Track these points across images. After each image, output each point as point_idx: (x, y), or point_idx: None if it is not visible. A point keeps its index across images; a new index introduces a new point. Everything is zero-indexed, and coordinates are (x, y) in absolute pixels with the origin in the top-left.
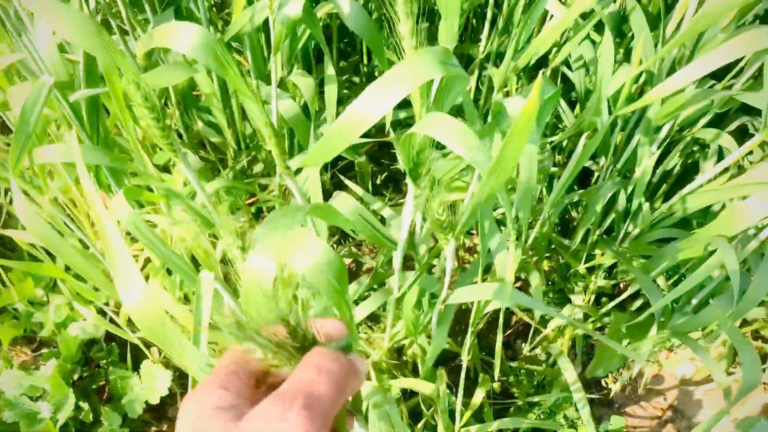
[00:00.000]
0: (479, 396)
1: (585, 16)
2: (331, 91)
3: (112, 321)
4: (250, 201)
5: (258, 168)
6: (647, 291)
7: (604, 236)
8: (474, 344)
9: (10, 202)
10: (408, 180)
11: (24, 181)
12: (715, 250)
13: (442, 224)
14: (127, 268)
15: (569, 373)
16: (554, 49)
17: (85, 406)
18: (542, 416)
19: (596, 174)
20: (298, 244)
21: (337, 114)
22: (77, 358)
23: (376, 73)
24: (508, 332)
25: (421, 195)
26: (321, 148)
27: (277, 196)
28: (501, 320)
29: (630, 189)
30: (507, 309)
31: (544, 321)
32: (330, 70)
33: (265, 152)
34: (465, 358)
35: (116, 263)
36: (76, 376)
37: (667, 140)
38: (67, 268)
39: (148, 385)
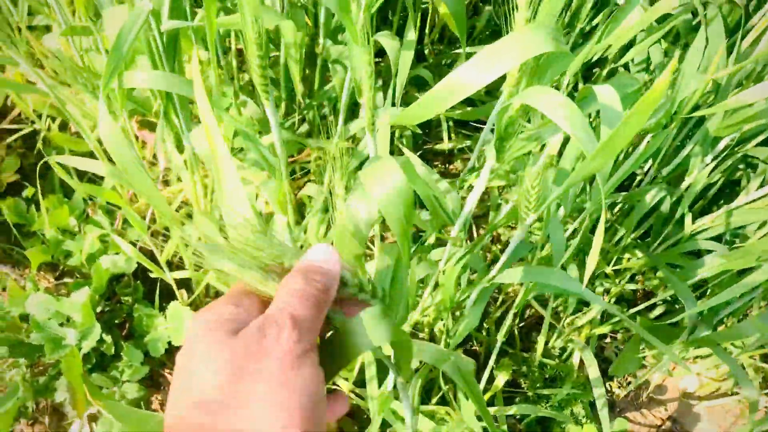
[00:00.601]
0: (501, 379)
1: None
2: (407, 57)
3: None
4: (291, 159)
5: (302, 129)
6: (683, 298)
7: (638, 241)
8: (493, 331)
9: (48, 129)
10: (489, 152)
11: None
12: (751, 267)
13: (529, 199)
14: (236, 188)
15: (593, 368)
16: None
17: (108, 338)
18: (550, 409)
19: (639, 178)
20: (378, 171)
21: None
22: (103, 291)
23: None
24: (521, 324)
25: (498, 169)
26: (419, 107)
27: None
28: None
29: (676, 197)
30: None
31: (557, 317)
32: (411, 35)
33: (313, 114)
34: (500, 339)
35: (225, 182)
36: (98, 309)
37: (725, 153)
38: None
39: (173, 326)
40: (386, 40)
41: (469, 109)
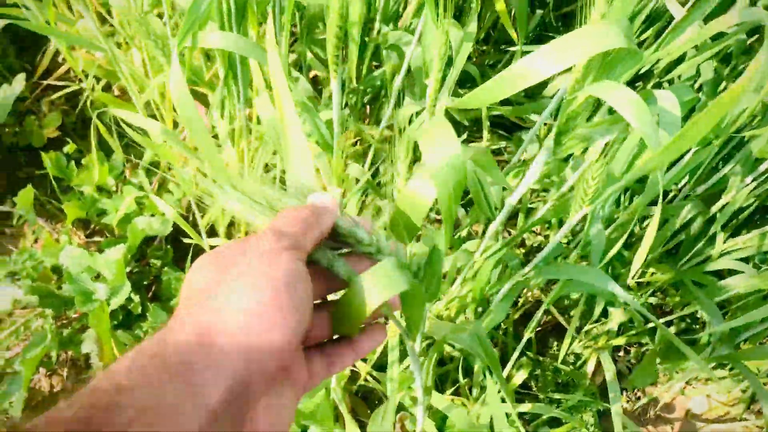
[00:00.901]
0: (520, 377)
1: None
2: (467, 48)
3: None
4: None
5: (343, 113)
6: (710, 315)
7: (663, 256)
8: (511, 332)
9: (93, 89)
10: (546, 144)
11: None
12: None
13: (587, 190)
14: (301, 152)
15: (610, 373)
16: (659, 64)
17: (136, 298)
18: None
19: (672, 193)
20: (435, 137)
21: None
22: (134, 252)
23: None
24: (538, 329)
25: (551, 162)
26: (485, 91)
27: (378, 139)
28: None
29: (709, 216)
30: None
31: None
32: (473, 27)
33: (356, 99)
34: (528, 334)
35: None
36: (127, 269)
37: (766, 175)
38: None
39: None
40: (451, 28)
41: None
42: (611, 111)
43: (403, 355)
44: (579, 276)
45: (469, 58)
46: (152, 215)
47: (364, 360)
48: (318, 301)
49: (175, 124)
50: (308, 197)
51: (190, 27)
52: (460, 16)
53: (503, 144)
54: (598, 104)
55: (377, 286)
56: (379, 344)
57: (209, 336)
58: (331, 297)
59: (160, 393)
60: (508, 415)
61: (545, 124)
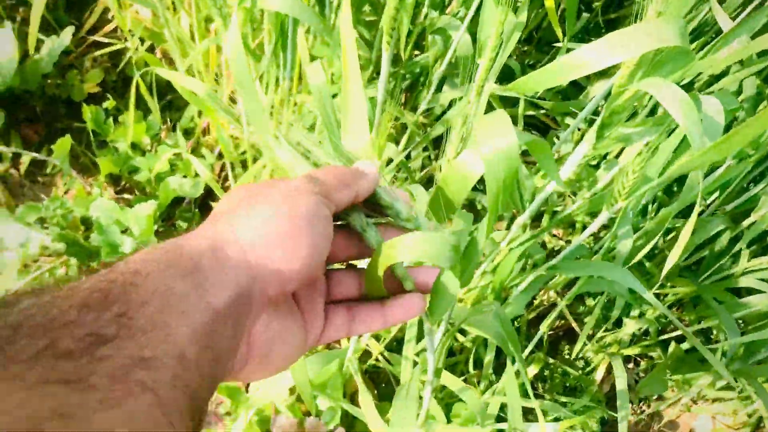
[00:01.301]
0: (532, 370)
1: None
2: (515, 37)
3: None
4: None
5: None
6: (728, 327)
7: (683, 270)
8: (523, 331)
9: (136, 49)
10: (587, 137)
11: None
12: None
13: (624, 184)
14: (360, 112)
15: (621, 379)
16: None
17: None
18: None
19: (701, 208)
20: (491, 126)
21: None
22: (163, 211)
23: None
24: (550, 332)
25: (590, 156)
26: (533, 78)
27: (414, 123)
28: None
29: (736, 232)
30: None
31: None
32: (523, 17)
33: (395, 84)
34: (542, 329)
35: (352, 105)
36: (154, 228)
37: None
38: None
39: None
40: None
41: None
42: (651, 114)
43: (420, 336)
44: (603, 272)
45: (510, 56)
46: (184, 176)
47: (377, 339)
48: (344, 266)
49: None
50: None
51: None
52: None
53: None
54: (634, 113)
55: (416, 250)
56: (412, 316)
57: (221, 246)
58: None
59: (171, 284)
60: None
61: (579, 129)
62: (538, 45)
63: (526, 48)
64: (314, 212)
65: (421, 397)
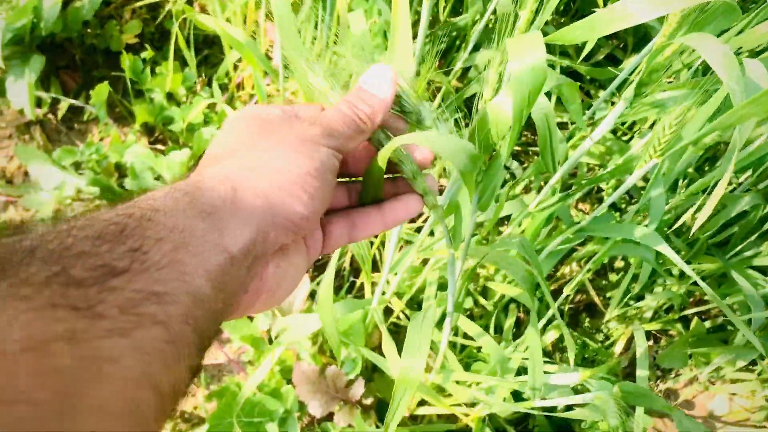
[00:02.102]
0: (552, 336)
1: None
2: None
3: None
4: None
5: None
6: (752, 303)
7: (712, 246)
8: (544, 300)
9: (175, 1)
10: (625, 95)
11: None
12: None
13: (661, 140)
14: (406, 50)
15: (641, 348)
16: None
17: None
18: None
19: (732, 186)
20: (523, 45)
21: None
22: (196, 160)
23: None
24: (570, 306)
25: (629, 114)
26: (577, 28)
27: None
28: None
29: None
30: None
31: (606, 303)
32: None
33: (433, 44)
34: (567, 291)
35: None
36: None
37: None
38: None
39: None
40: None
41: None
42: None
43: (441, 288)
44: (632, 234)
45: (547, 23)
46: (218, 128)
47: (399, 297)
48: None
49: None
50: (364, 77)
51: None
52: None
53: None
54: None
55: (433, 145)
56: (412, 214)
57: (239, 190)
58: None
59: (189, 224)
60: None
61: (611, 98)
62: (573, 17)
63: (563, 20)
64: (328, 167)
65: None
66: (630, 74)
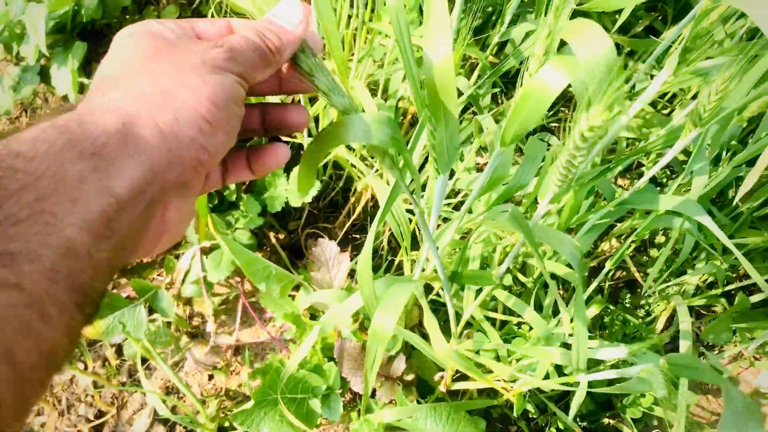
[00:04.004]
0: (592, 311)
1: None
2: None
3: None
4: None
5: None
6: None
7: (757, 220)
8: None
9: None
10: (669, 62)
11: None
12: None
13: (706, 107)
14: (442, 21)
15: (685, 323)
16: None
17: (232, 186)
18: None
19: None
20: (584, 33)
21: None
22: None
23: None
24: (611, 283)
25: (672, 83)
26: None
27: (486, 57)
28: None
29: None
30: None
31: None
32: None
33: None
34: (609, 265)
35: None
36: None
37: None
38: None
39: (293, 188)
40: None
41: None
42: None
43: (483, 264)
44: (675, 206)
45: None
46: None
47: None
48: None
49: None
50: (278, 7)
51: None
52: None
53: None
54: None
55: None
56: (280, 164)
57: (129, 123)
58: None
59: (62, 168)
60: None
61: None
62: None
63: None
64: (233, 96)
65: (482, 329)
66: (672, 43)
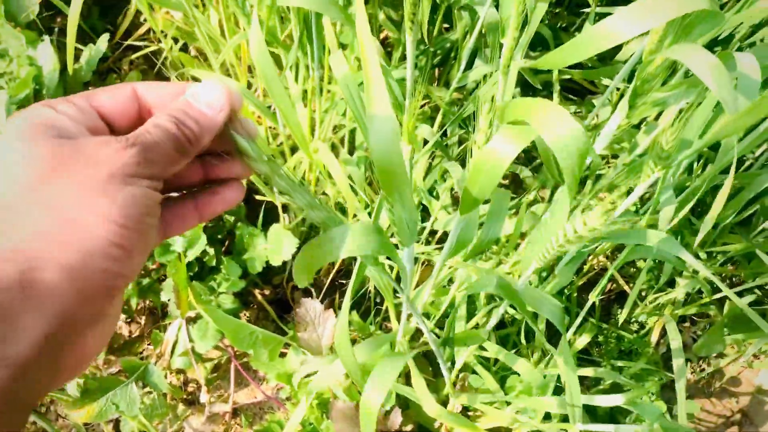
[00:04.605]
0: (584, 339)
1: None
2: (542, 8)
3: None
4: None
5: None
6: None
7: (735, 226)
8: (574, 298)
9: (171, 49)
10: (620, 107)
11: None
12: None
13: (662, 153)
14: (383, 104)
15: (675, 341)
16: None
17: (210, 251)
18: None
19: (748, 162)
20: (545, 115)
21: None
22: None
23: None
24: (602, 297)
25: (623, 127)
26: (564, 51)
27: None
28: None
29: None
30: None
31: (639, 295)
32: None
33: (426, 60)
34: (592, 298)
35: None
36: (203, 224)
37: None
38: None
39: (273, 247)
40: None
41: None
42: (687, 75)
43: (470, 315)
44: (646, 240)
45: (542, 20)
46: None
47: (428, 317)
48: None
49: (249, 86)
50: (198, 90)
51: None
52: None
53: (574, 108)
54: (673, 69)
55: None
56: (231, 205)
57: (34, 271)
58: None
59: None
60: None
61: (618, 89)
62: (569, 7)
63: (558, 10)
64: (146, 208)
65: (476, 372)
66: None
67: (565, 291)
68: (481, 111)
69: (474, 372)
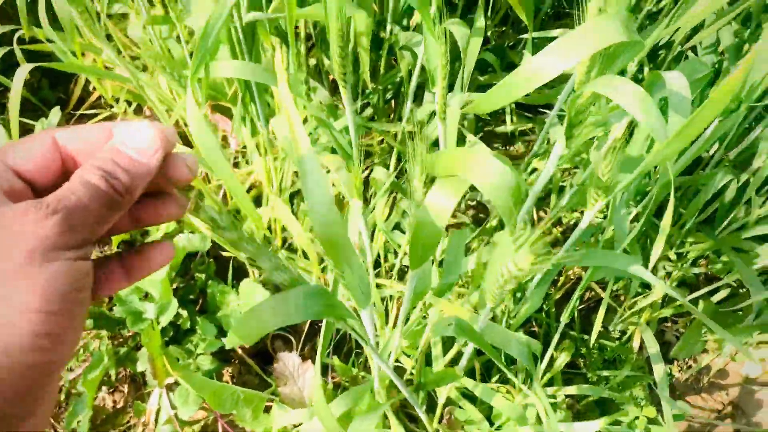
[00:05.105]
0: (563, 359)
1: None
2: (476, 44)
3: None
4: None
5: (366, 113)
6: (749, 283)
7: (702, 225)
8: (553, 312)
9: (125, 113)
10: (558, 137)
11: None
12: None
13: (599, 186)
14: (316, 176)
15: (653, 348)
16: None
17: (183, 313)
18: (609, 391)
19: (704, 161)
20: (477, 164)
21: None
22: (179, 268)
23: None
24: (581, 306)
25: (566, 156)
26: (493, 96)
27: (400, 139)
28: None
29: (743, 181)
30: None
31: (618, 300)
32: (480, 22)
33: (377, 98)
34: (563, 321)
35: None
36: (173, 286)
37: None
38: None
39: (245, 302)
40: (456, 27)
41: (535, 94)
42: None
43: (446, 349)
44: (604, 262)
45: (488, 41)
46: (192, 232)
47: (408, 355)
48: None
49: None
50: (125, 135)
51: (201, 59)
52: (471, 7)
53: (529, 125)
54: None
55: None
56: (163, 264)
57: None
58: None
59: None
60: (554, 401)
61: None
62: (514, 26)
63: (504, 29)
64: (76, 284)
65: (460, 407)
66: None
67: (544, 306)
68: (414, 171)
69: (459, 406)
